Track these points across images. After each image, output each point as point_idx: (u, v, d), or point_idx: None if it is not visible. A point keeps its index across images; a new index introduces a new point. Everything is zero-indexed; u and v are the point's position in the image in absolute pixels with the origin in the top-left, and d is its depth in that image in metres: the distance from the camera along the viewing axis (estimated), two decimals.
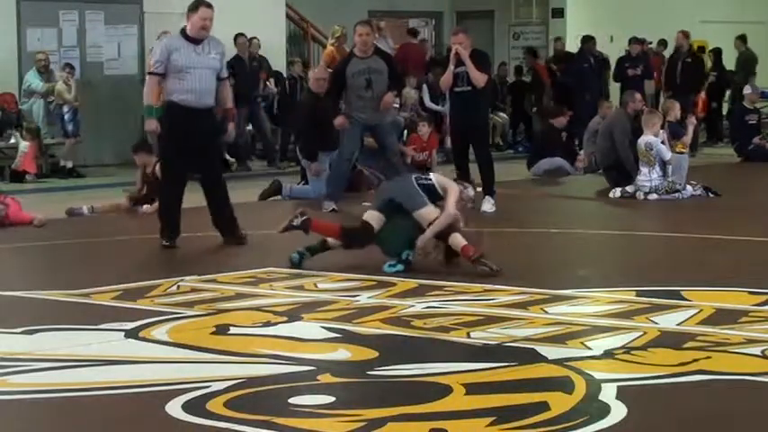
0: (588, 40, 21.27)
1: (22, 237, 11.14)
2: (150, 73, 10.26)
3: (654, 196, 13.51)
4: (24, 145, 16.36)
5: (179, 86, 10.02)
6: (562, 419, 5.03)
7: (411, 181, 9.05)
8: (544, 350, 6.25)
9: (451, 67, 12.51)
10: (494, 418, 5.04)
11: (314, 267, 8.86)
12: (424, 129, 16.26)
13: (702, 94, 21.43)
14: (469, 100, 12.53)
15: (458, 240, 8.66)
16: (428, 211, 8.79)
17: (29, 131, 16.48)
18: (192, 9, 10.13)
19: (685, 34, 20.74)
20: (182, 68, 9.99)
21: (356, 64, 12.62)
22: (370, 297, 7.85)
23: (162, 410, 5.23)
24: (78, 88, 17.36)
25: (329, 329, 6.86)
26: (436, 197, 8.91)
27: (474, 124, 12.70)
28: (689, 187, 13.81)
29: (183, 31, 10.20)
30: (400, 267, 8.74)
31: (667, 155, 13.65)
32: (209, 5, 10.10)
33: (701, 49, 22.73)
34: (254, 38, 18.66)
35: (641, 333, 6.65)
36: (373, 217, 8.91)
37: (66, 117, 17.12)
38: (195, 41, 10.08)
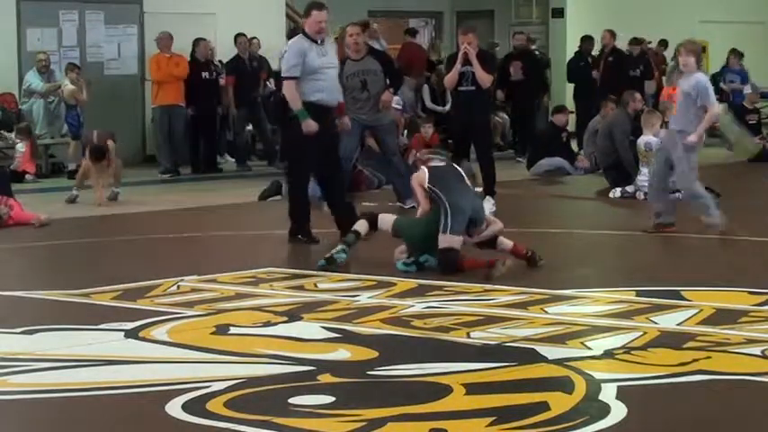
0: (586, 40, 21.21)
1: (22, 237, 11.14)
2: (288, 77, 10.21)
3: None
4: (21, 145, 16.36)
5: (315, 86, 10.13)
6: (562, 419, 5.03)
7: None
8: (544, 350, 6.25)
9: (458, 65, 12.55)
10: (494, 418, 5.04)
11: (315, 267, 8.87)
12: (429, 129, 16.29)
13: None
14: (473, 99, 12.57)
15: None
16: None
17: (20, 131, 16.46)
18: (306, 14, 10.34)
19: (612, 33, 20.44)
20: (316, 69, 10.12)
21: (350, 66, 12.57)
22: (370, 297, 7.85)
23: (162, 410, 5.23)
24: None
25: (329, 329, 6.87)
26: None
27: (476, 123, 12.72)
28: None
29: (304, 33, 10.32)
30: (413, 269, 8.76)
31: None
32: (321, 7, 10.24)
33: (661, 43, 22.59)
34: (254, 38, 18.65)
35: (641, 333, 6.65)
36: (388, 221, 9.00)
37: (80, 118, 17.07)
38: (318, 42, 10.22)
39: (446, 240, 8.63)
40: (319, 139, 10.11)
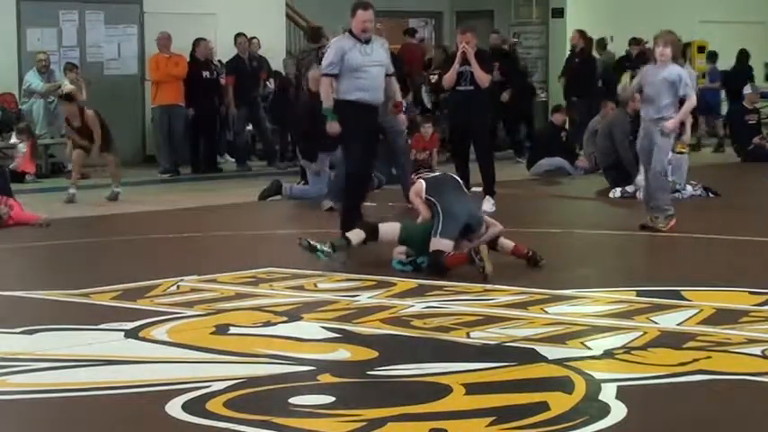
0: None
1: (22, 237, 11.14)
2: (325, 74, 10.22)
3: None
4: (22, 146, 16.36)
5: (355, 84, 10.10)
6: (562, 419, 5.03)
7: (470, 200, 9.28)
8: (544, 350, 6.25)
9: (456, 65, 12.54)
10: (494, 418, 5.04)
11: (315, 267, 8.87)
12: (429, 129, 16.30)
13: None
14: (472, 99, 12.57)
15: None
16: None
17: (20, 131, 16.45)
18: (352, 13, 10.32)
19: (582, 34, 20.33)
20: (356, 68, 10.10)
21: None
22: (370, 297, 7.85)
23: (162, 410, 5.23)
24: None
25: (329, 329, 6.87)
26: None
27: (475, 123, 12.71)
28: (689, 187, 13.82)
29: (350, 32, 10.32)
30: (409, 269, 8.77)
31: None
32: (366, 6, 10.23)
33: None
34: (254, 38, 18.66)
35: (641, 333, 6.65)
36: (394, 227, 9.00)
37: None
38: (363, 41, 10.21)
39: (436, 244, 8.71)
40: (361, 138, 10.09)
